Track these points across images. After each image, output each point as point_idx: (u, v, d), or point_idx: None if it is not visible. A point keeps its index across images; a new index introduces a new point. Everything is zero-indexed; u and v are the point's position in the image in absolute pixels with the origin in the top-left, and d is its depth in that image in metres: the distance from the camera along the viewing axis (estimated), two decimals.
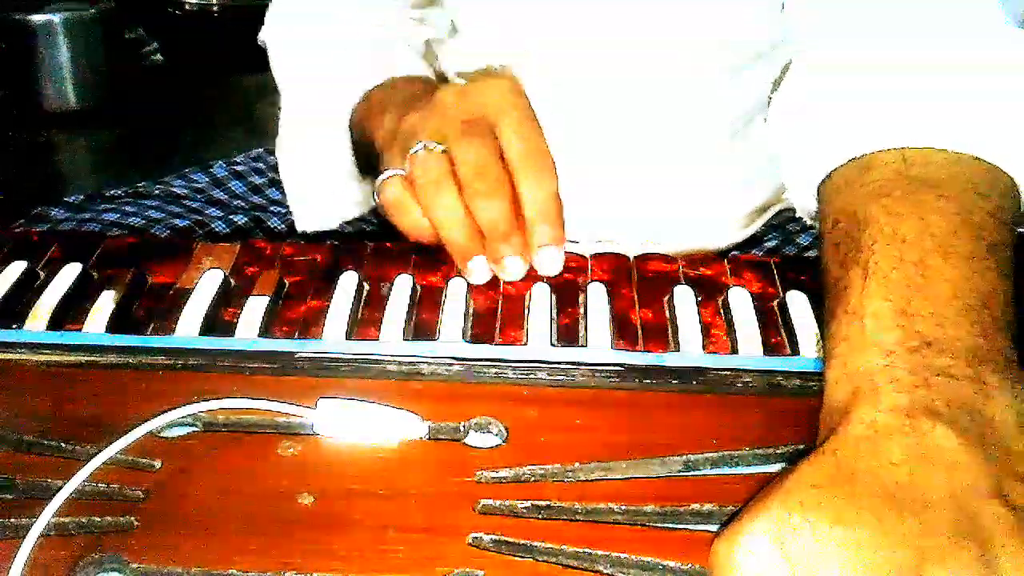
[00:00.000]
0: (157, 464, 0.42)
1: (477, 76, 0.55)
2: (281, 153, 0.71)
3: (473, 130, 0.51)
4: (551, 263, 0.52)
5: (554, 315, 0.50)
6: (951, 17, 0.48)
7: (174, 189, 0.79)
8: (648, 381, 0.46)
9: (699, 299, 0.51)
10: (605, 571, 0.37)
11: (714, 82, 0.66)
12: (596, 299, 0.51)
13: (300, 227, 0.70)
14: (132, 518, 0.39)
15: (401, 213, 0.52)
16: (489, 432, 0.43)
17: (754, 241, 0.74)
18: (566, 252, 0.56)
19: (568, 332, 0.49)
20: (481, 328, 0.50)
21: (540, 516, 0.40)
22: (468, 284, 0.52)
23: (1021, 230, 0.44)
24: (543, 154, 0.51)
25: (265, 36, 0.74)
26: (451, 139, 0.51)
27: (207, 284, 0.52)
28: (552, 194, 0.51)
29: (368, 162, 0.63)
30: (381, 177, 0.53)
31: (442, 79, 0.70)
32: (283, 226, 0.75)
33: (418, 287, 0.52)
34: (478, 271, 0.52)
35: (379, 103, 0.62)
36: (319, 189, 0.69)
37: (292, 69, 0.72)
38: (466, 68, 0.69)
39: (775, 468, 0.40)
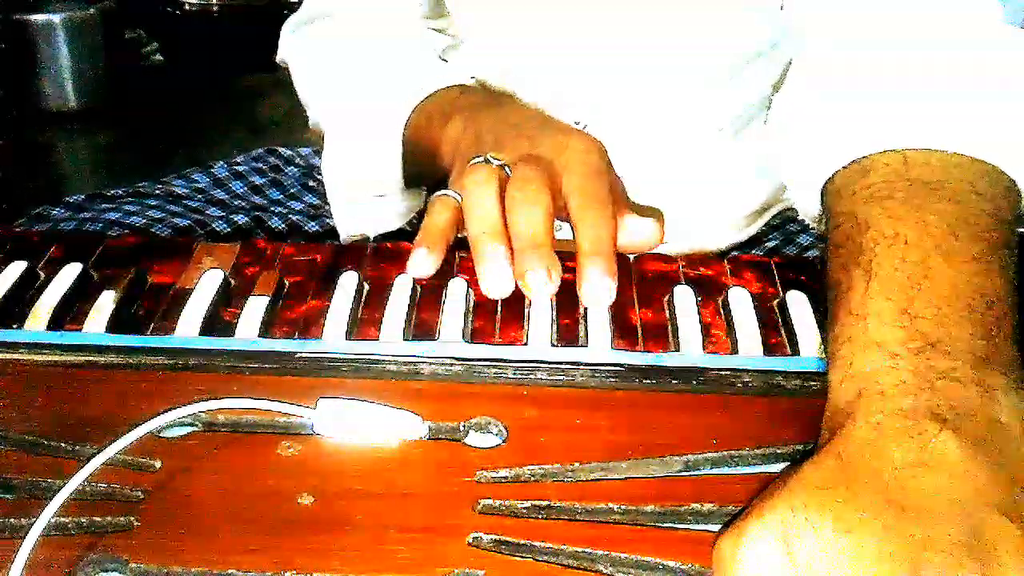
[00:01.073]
0: (157, 464, 0.42)
1: (552, 131, 0.52)
2: (328, 166, 0.69)
3: (537, 160, 0.49)
4: (601, 295, 0.45)
5: (554, 315, 0.50)
6: (950, 18, 0.48)
7: (175, 189, 0.79)
8: (648, 381, 0.46)
9: (699, 299, 0.51)
10: (605, 571, 0.37)
11: (714, 81, 0.66)
12: None
13: (343, 235, 0.70)
14: (132, 518, 0.39)
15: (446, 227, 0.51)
16: (489, 432, 0.43)
17: (754, 241, 0.74)
18: (567, 252, 0.56)
19: (568, 332, 0.49)
20: (481, 328, 0.50)
21: (540, 516, 0.40)
22: (468, 284, 0.52)
23: (1022, 230, 0.44)
24: (604, 204, 0.48)
25: (285, 55, 0.74)
26: (516, 162, 0.49)
27: (207, 284, 0.52)
28: (610, 236, 0.47)
29: (420, 172, 0.63)
30: (436, 194, 0.52)
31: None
32: (283, 226, 0.75)
33: (418, 287, 0.52)
34: (495, 273, 0.46)
35: (440, 112, 0.60)
36: (366, 202, 0.68)
37: (328, 86, 0.71)
38: (468, 73, 0.70)
39: (775, 468, 0.40)
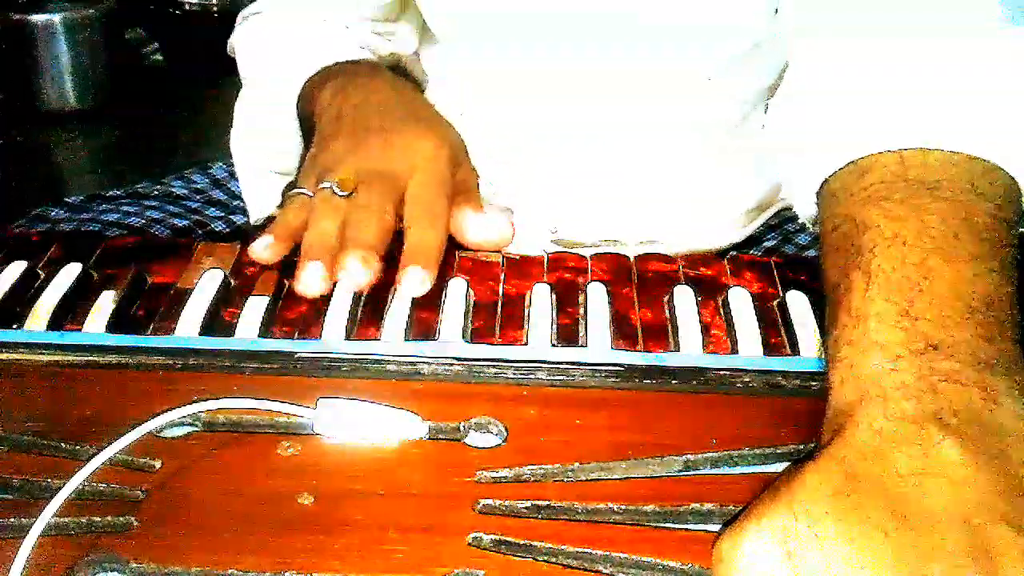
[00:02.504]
0: (157, 464, 0.42)
1: (404, 128, 0.57)
2: (235, 142, 0.72)
3: (380, 181, 0.54)
4: (416, 282, 0.51)
5: (554, 315, 0.50)
6: (946, 16, 0.48)
7: (174, 189, 0.79)
8: (648, 381, 0.46)
9: (699, 299, 0.51)
10: (605, 571, 0.37)
11: (712, 74, 0.66)
12: (596, 299, 0.51)
13: (253, 218, 0.71)
14: (132, 518, 0.39)
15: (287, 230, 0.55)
16: (489, 432, 0.43)
17: (753, 241, 0.74)
18: (566, 252, 0.56)
19: (568, 332, 0.49)
20: (481, 328, 0.50)
21: (540, 516, 0.40)
22: (468, 284, 0.52)
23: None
24: (436, 216, 0.53)
25: (232, 42, 0.74)
26: (359, 186, 0.54)
27: (207, 284, 0.52)
28: (435, 246, 0.52)
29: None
30: (292, 192, 0.56)
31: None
32: None
33: None
34: (308, 276, 0.50)
35: (321, 80, 0.64)
36: (274, 179, 0.70)
37: (250, 68, 0.73)
38: (451, 77, 0.70)
39: (775, 468, 0.40)
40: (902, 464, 0.34)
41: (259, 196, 0.71)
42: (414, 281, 0.51)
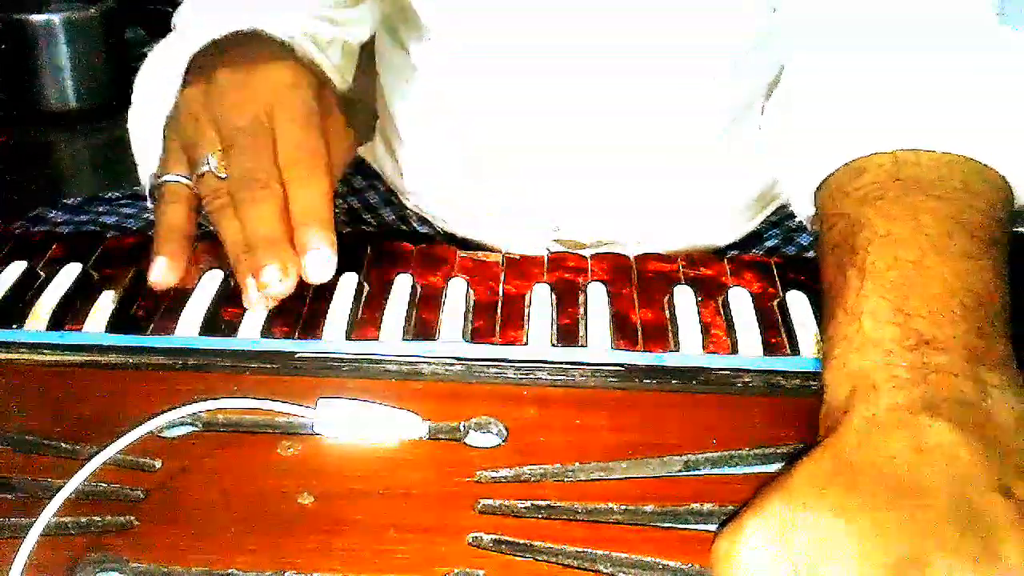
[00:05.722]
0: (157, 464, 0.42)
1: (253, 67, 0.51)
2: (132, 118, 0.65)
3: (246, 137, 0.49)
4: (318, 268, 0.46)
5: (554, 315, 0.50)
6: (939, 18, 0.48)
7: None
8: (648, 381, 0.46)
9: (699, 299, 0.51)
10: (605, 571, 0.37)
11: (711, 71, 0.66)
12: (596, 299, 0.51)
13: (143, 179, 0.63)
14: (132, 518, 0.39)
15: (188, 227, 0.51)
16: (489, 432, 0.43)
17: (754, 239, 0.74)
18: (567, 252, 0.56)
19: (568, 332, 0.49)
20: (481, 328, 0.50)
21: (540, 516, 0.40)
22: (468, 284, 0.52)
23: (1018, 230, 0.44)
24: (313, 154, 0.48)
25: (175, 19, 0.70)
26: (230, 151, 0.49)
27: (207, 284, 0.52)
28: (321, 194, 0.47)
29: None
30: (162, 179, 0.51)
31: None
32: None
33: (418, 287, 0.52)
34: (250, 294, 0.47)
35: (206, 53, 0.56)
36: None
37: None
38: (447, 72, 0.69)
39: (775, 468, 0.40)
40: (894, 447, 0.34)
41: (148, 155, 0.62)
42: (317, 265, 0.46)
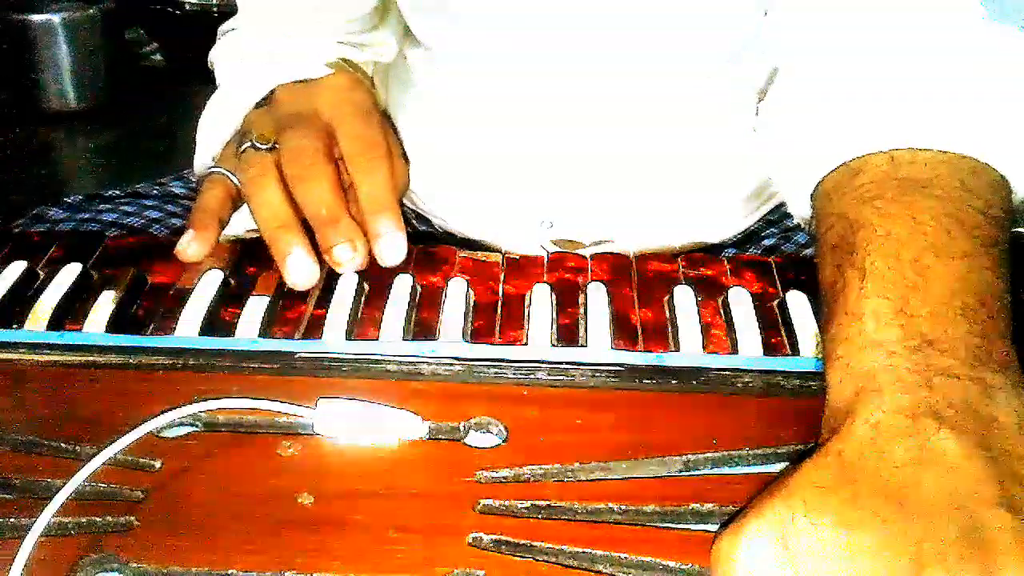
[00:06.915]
0: (157, 464, 0.42)
1: (312, 82, 0.54)
2: (200, 135, 0.66)
3: (302, 122, 0.51)
4: (394, 251, 0.50)
5: (554, 315, 0.50)
6: (932, 16, 0.48)
7: (172, 189, 0.79)
8: (648, 381, 0.46)
9: (699, 299, 0.51)
10: (605, 571, 0.37)
11: (704, 71, 0.65)
12: (596, 299, 0.51)
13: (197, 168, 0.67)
14: (132, 518, 0.39)
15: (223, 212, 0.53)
16: (489, 432, 0.43)
17: (752, 237, 0.74)
18: (567, 252, 0.56)
19: (568, 332, 0.49)
20: (481, 328, 0.50)
21: (540, 516, 0.40)
22: (468, 284, 0.52)
23: (1018, 230, 0.44)
24: (375, 146, 0.51)
25: (212, 56, 0.72)
26: (281, 134, 0.51)
27: (207, 284, 0.52)
28: (386, 184, 0.50)
29: None
30: (205, 172, 0.53)
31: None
32: None
33: (418, 287, 0.52)
34: (296, 267, 0.49)
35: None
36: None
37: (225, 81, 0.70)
38: (448, 84, 0.69)
39: (775, 468, 0.40)
40: (898, 455, 0.34)
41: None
42: (391, 249, 0.49)
